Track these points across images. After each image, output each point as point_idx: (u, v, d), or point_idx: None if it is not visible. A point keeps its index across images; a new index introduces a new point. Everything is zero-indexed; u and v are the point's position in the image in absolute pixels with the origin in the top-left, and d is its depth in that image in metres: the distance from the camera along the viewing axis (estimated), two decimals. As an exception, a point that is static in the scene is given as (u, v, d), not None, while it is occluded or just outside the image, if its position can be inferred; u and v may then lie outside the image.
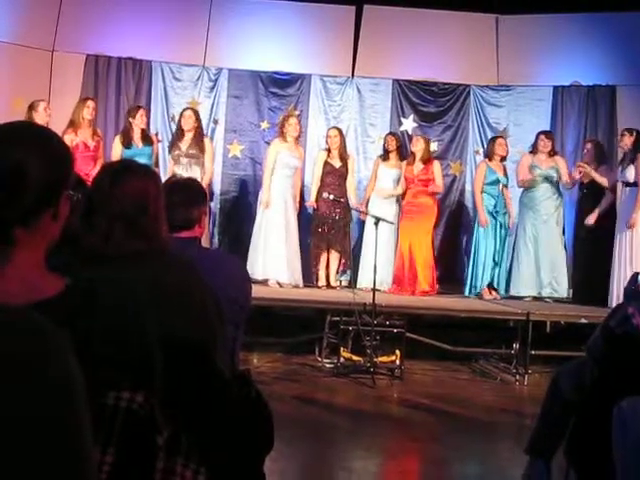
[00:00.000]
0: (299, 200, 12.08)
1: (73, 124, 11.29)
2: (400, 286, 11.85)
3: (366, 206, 11.92)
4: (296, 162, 11.85)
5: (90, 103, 11.55)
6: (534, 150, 11.87)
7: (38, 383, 1.30)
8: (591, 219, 11.45)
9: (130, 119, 11.61)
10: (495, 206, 11.77)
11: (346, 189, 11.92)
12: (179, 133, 11.69)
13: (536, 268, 11.74)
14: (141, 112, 11.67)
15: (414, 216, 11.85)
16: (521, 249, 11.87)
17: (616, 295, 10.59)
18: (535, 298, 11.67)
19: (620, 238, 11.04)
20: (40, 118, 10.76)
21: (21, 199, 1.65)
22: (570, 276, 11.90)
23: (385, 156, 12.25)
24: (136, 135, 11.52)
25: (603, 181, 11.41)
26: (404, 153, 12.39)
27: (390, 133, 12.50)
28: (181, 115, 11.79)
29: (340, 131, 12.17)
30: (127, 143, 11.50)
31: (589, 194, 11.71)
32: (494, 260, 11.73)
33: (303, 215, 12.08)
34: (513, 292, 11.86)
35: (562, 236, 11.88)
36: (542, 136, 11.89)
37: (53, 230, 1.73)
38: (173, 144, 11.70)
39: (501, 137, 12.30)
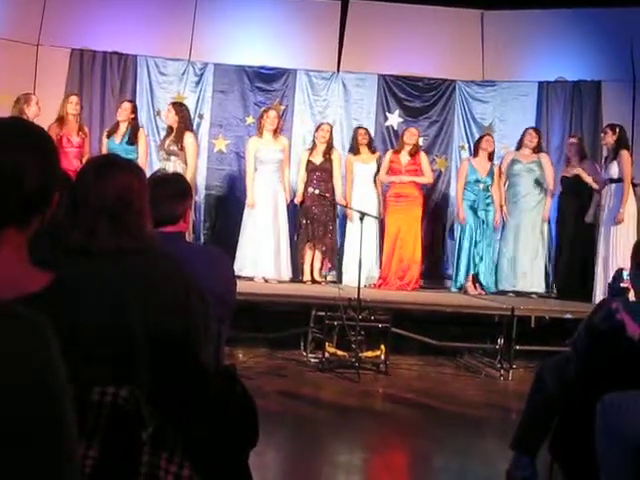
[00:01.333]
0: (289, 193, 12.03)
1: (59, 119, 11.27)
2: (388, 276, 11.85)
3: (350, 203, 11.87)
4: (278, 154, 11.75)
5: (73, 98, 11.50)
6: (519, 146, 11.90)
7: (22, 376, 1.30)
8: (590, 217, 11.52)
9: (117, 112, 11.66)
10: (475, 201, 11.78)
11: (332, 185, 11.88)
12: (168, 130, 11.62)
13: (514, 261, 11.78)
14: (123, 105, 11.62)
15: (402, 206, 11.83)
16: (503, 243, 11.92)
17: (600, 291, 10.65)
18: (518, 294, 11.71)
19: (604, 234, 11.08)
20: (32, 112, 10.76)
21: (17, 201, 1.65)
22: (554, 271, 11.96)
23: (356, 150, 12.21)
24: (121, 129, 11.48)
25: (591, 181, 11.45)
26: (373, 147, 12.33)
27: (360, 127, 12.46)
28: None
29: (332, 127, 12.15)
30: (110, 135, 11.51)
31: (571, 190, 11.74)
32: (476, 254, 11.75)
33: (290, 210, 12.05)
34: (499, 287, 11.90)
35: (545, 230, 11.89)
36: (530, 130, 11.93)
37: (35, 225, 1.73)
38: (162, 142, 11.63)
39: (488, 134, 12.30)
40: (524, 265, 11.76)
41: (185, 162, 11.34)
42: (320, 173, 11.81)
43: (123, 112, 11.50)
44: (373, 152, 12.17)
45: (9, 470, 1.26)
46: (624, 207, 10.87)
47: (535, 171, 11.75)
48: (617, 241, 10.90)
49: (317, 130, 12.07)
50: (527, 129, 11.99)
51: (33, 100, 11.07)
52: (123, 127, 11.47)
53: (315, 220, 11.84)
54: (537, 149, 11.84)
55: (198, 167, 12.18)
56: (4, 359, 1.30)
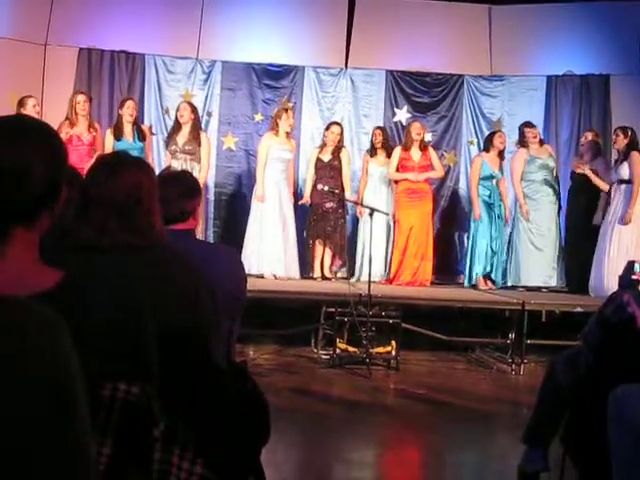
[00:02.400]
0: (294, 193, 12.05)
1: (68, 119, 11.27)
2: (400, 272, 11.84)
3: (361, 201, 11.87)
4: (288, 155, 11.83)
5: (80, 98, 11.45)
6: (524, 144, 11.86)
7: (35, 369, 1.30)
8: (598, 219, 11.49)
9: (120, 111, 11.61)
10: (490, 197, 11.77)
11: (341, 182, 11.89)
12: (176, 127, 11.66)
13: (535, 257, 11.77)
14: (128, 104, 11.57)
15: (414, 202, 11.84)
16: (520, 239, 11.88)
17: (598, 285, 10.68)
18: (528, 289, 11.69)
19: (610, 233, 11.05)
20: (29, 115, 10.73)
21: (25, 199, 1.64)
22: (564, 266, 11.94)
23: (373, 152, 12.23)
24: (127, 128, 11.47)
25: (600, 183, 11.42)
26: (390, 148, 12.31)
27: (377, 127, 12.46)
28: (177, 108, 11.77)
29: (342, 128, 12.14)
30: (118, 135, 11.46)
31: (581, 185, 11.71)
32: (492, 249, 11.74)
33: (298, 207, 12.06)
34: (512, 282, 11.89)
35: (558, 224, 11.89)
36: (526, 129, 11.89)
37: (46, 223, 1.73)
38: (170, 138, 11.67)
39: (500, 131, 12.25)
40: (545, 260, 11.78)
41: (198, 161, 11.42)
42: (329, 171, 11.84)
43: (132, 110, 11.49)
44: (388, 155, 12.12)
45: (22, 461, 1.27)
46: (632, 208, 10.85)
47: (552, 165, 11.77)
48: (621, 241, 10.89)
49: (327, 129, 12.08)
50: (523, 127, 11.95)
51: (30, 103, 11.04)
52: (129, 126, 11.47)
53: (325, 217, 11.86)
54: (541, 141, 11.87)
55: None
56: (18, 352, 1.30)
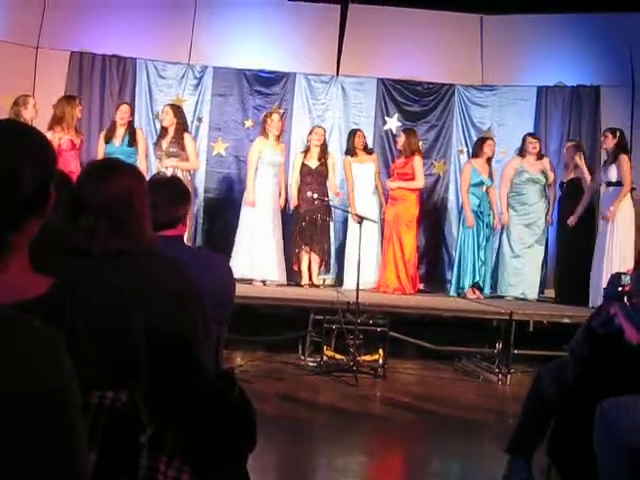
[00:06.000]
0: (284, 198, 12.02)
1: (62, 122, 11.20)
2: (384, 280, 11.84)
3: (352, 207, 11.85)
4: (279, 159, 11.82)
5: (77, 102, 11.50)
6: (522, 153, 11.90)
7: (34, 383, 1.30)
8: (572, 220, 11.51)
9: (115, 115, 11.64)
10: (479, 206, 11.78)
11: (327, 188, 11.90)
12: (162, 132, 11.67)
13: (519, 269, 11.81)
14: (121, 108, 11.61)
15: (395, 209, 11.83)
16: (505, 251, 11.92)
17: (595, 293, 10.65)
18: (517, 298, 11.71)
19: (601, 237, 11.09)
20: (29, 115, 10.76)
21: (14, 205, 1.63)
22: (554, 276, 11.97)
23: (352, 152, 12.20)
24: (119, 132, 11.48)
25: (587, 177, 11.50)
26: (369, 149, 12.37)
27: (358, 130, 12.46)
28: (161, 112, 11.82)
29: (325, 132, 12.19)
30: (108, 139, 11.48)
31: (569, 192, 11.78)
32: (480, 259, 11.74)
33: (286, 214, 12.06)
34: (498, 292, 11.92)
35: (544, 237, 11.93)
36: (530, 138, 11.93)
37: (35, 228, 1.72)
38: (157, 143, 11.66)
39: (490, 138, 12.25)
40: (532, 270, 11.82)
41: (184, 161, 11.43)
42: (315, 177, 11.84)
43: (123, 114, 11.51)
44: (370, 153, 12.19)
45: (17, 473, 1.26)
46: (615, 206, 10.86)
47: (542, 181, 11.79)
48: (613, 244, 10.90)
49: (310, 133, 12.12)
50: (526, 136, 11.99)
51: (30, 103, 11.05)
52: (122, 130, 11.48)
53: (311, 223, 11.85)
54: (539, 154, 11.87)
55: (196, 170, 12.23)
56: (16, 366, 1.30)
